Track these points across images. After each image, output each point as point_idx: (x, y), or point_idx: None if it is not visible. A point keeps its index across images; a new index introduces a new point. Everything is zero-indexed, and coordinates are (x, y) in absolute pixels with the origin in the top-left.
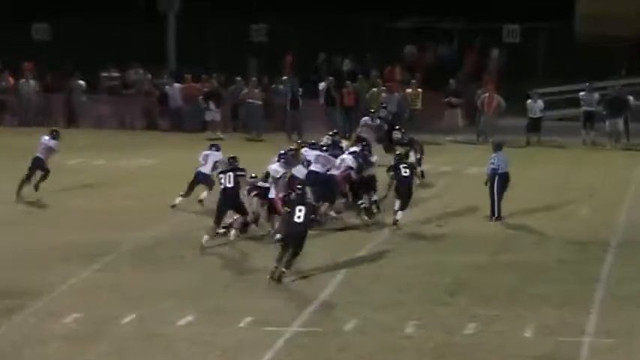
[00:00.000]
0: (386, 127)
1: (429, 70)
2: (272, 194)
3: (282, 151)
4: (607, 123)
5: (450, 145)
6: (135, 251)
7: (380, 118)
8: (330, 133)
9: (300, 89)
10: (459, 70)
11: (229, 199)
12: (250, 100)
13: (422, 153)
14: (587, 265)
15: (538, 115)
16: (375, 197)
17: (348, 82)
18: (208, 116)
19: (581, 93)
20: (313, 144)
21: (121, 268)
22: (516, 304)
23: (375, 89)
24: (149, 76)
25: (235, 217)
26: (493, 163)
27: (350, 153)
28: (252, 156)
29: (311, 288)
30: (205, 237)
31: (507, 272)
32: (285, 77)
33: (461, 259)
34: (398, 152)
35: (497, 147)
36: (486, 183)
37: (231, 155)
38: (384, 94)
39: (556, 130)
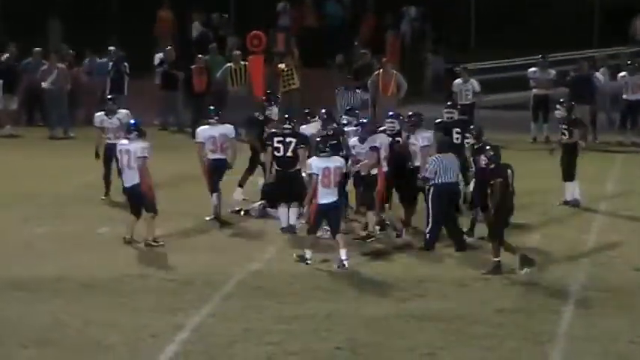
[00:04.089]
0: None
1: (309, 38)
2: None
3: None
4: None
5: None
6: None
7: None
8: None
9: (127, 65)
10: (355, 37)
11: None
12: (50, 82)
13: None
14: (536, 317)
15: (470, 99)
16: None
17: (200, 56)
18: None
19: (531, 70)
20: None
21: None
22: None
23: (230, 64)
24: None
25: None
26: (433, 171)
27: None
28: (60, 162)
29: None
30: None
31: (419, 328)
32: (112, 48)
33: (355, 309)
34: None
35: (441, 144)
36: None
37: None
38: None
39: (495, 121)
